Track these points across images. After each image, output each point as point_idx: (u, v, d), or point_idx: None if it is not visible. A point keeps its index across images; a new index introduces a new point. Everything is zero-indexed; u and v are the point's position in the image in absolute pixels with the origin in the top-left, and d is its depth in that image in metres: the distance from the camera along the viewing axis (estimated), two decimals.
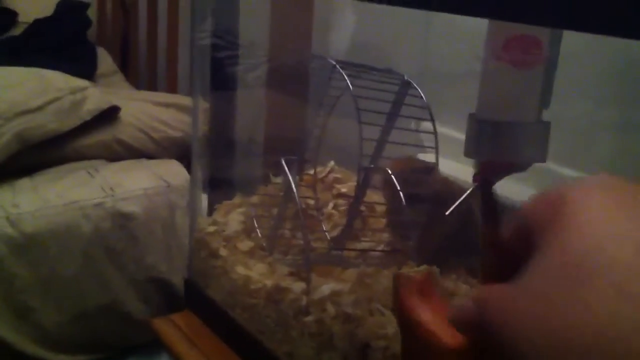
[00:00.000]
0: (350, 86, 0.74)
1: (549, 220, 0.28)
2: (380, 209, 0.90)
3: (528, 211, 0.30)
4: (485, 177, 0.37)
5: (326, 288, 0.72)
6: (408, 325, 0.36)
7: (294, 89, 1.08)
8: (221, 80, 1.07)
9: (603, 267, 0.25)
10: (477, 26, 0.88)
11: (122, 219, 1.31)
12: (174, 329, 0.88)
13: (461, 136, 0.82)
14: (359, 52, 1.14)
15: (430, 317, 0.35)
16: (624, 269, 0.25)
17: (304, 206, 0.89)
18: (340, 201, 0.97)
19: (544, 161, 0.77)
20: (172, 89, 1.82)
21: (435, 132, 0.82)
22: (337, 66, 0.77)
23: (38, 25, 1.95)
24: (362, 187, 0.86)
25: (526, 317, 0.27)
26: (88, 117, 1.41)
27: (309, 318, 0.72)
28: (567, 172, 0.93)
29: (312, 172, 0.97)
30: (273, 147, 1.07)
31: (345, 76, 0.75)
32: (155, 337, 1.20)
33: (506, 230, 0.32)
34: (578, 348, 0.24)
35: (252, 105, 1.14)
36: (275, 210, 0.91)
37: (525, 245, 0.30)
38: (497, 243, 0.33)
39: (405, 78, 0.83)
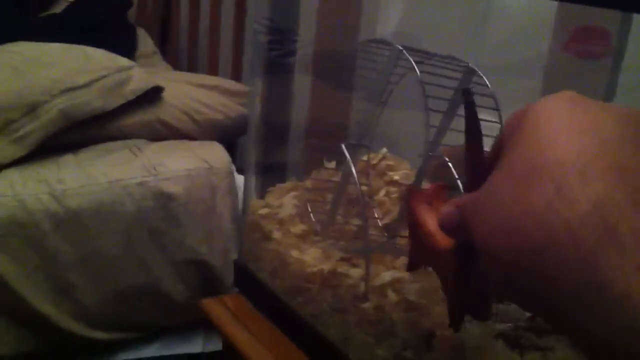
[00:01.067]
0: (418, 72, 0.73)
1: (515, 128, 0.32)
2: None
3: (504, 126, 0.35)
4: (468, 91, 0.38)
5: (387, 275, 0.71)
6: (414, 228, 0.42)
7: (345, 74, 1.07)
8: (271, 65, 1.06)
9: (548, 167, 0.29)
10: (541, 17, 0.87)
11: (164, 199, 1.30)
12: (224, 310, 0.87)
13: None
14: (411, 39, 1.13)
15: (431, 222, 0.40)
16: (565, 170, 0.28)
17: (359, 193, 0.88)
18: (393, 189, 0.95)
19: None
20: (213, 71, 1.81)
21: (500, 121, 0.80)
22: (404, 51, 0.75)
23: (79, 3, 1.95)
24: (419, 174, 0.85)
25: (485, 215, 0.31)
26: (132, 97, 1.41)
27: (368, 304, 0.71)
28: None
29: (365, 158, 0.96)
30: (324, 132, 1.06)
31: (413, 62, 0.73)
32: (195, 319, 1.20)
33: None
34: (521, 238, 0.28)
35: (302, 90, 1.13)
36: (328, 196, 0.90)
37: (498, 156, 0.34)
38: (480, 159, 0.37)
39: (470, 65, 0.81)
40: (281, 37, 1.12)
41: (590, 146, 0.29)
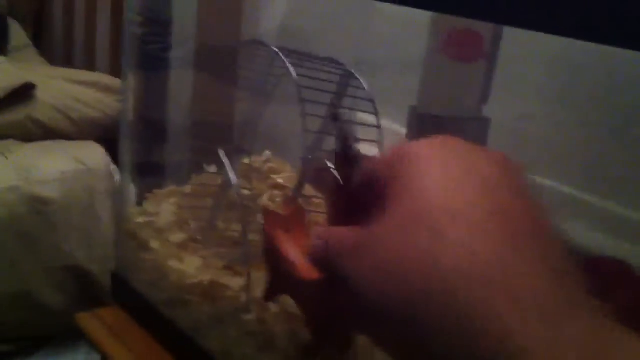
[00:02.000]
0: (294, 75, 0.71)
1: (393, 170, 0.32)
2: (319, 201, 0.88)
3: (379, 163, 0.34)
4: (336, 116, 0.38)
5: None
6: (271, 254, 0.39)
7: (226, 74, 1.05)
8: (149, 60, 1.02)
9: (427, 215, 0.29)
10: (420, 16, 0.87)
11: (39, 204, 1.23)
12: (100, 324, 0.83)
13: (401, 129, 0.81)
14: (291, 38, 1.11)
15: (292, 250, 0.37)
16: (442, 217, 0.28)
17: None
18: (277, 192, 0.94)
19: None
20: (90, 66, 1.73)
21: (379, 125, 0.80)
22: (280, 53, 0.73)
23: None
24: (301, 178, 0.84)
25: (365, 257, 0.31)
26: (1, 95, 1.32)
27: (250, 316, 0.69)
28: None
29: (247, 161, 0.94)
30: (205, 133, 1.03)
31: (289, 64, 0.72)
32: (77, 331, 1.14)
33: (357, 176, 0.36)
34: (399, 285, 0.28)
35: (181, 88, 1.09)
36: (209, 201, 0.87)
37: (370, 192, 0.33)
38: (346, 188, 0.36)
39: (348, 68, 0.81)
40: (157, 30, 1.08)
41: (468, 192, 0.29)
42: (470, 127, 0.79)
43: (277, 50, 0.75)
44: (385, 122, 0.87)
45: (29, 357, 1.33)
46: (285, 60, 0.73)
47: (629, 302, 0.58)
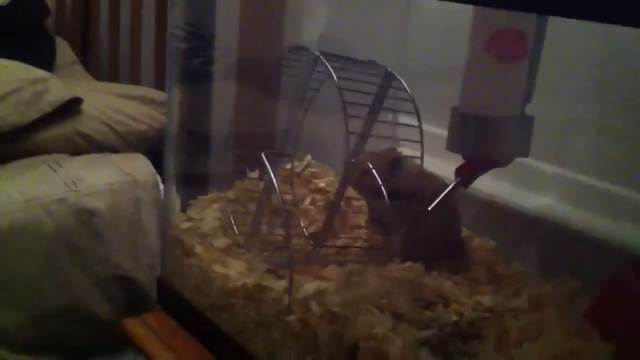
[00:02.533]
0: (335, 78, 0.72)
1: None
2: (360, 204, 0.88)
3: None
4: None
5: (310, 287, 0.69)
6: None
7: (268, 81, 1.05)
8: (192, 72, 1.03)
9: None
10: (458, 21, 0.87)
11: (86, 215, 1.25)
12: (146, 329, 0.84)
13: (441, 132, 0.79)
14: (335, 45, 1.11)
15: None
16: None
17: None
18: (318, 196, 0.94)
19: (527, 156, 0.76)
20: (134, 81, 1.76)
21: (420, 125, 0.80)
22: (321, 57, 0.74)
23: None
24: (343, 181, 0.84)
25: None
26: (49, 109, 1.35)
27: (292, 317, 0.69)
28: (546, 167, 0.91)
29: (289, 166, 0.94)
30: (247, 141, 1.04)
31: (330, 68, 0.72)
32: (123, 338, 1.16)
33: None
34: None
35: (225, 98, 1.11)
36: (252, 206, 0.88)
37: None
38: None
39: (389, 70, 0.81)
40: (200, 43, 1.09)
41: None
42: (513, 126, 0.78)
43: (318, 54, 0.75)
44: (426, 126, 0.86)
45: None
46: (326, 63, 0.74)
47: None
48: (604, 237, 0.80)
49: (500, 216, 0.92)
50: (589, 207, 0.86)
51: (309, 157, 0.99)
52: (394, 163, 0.79)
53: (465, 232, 0.87)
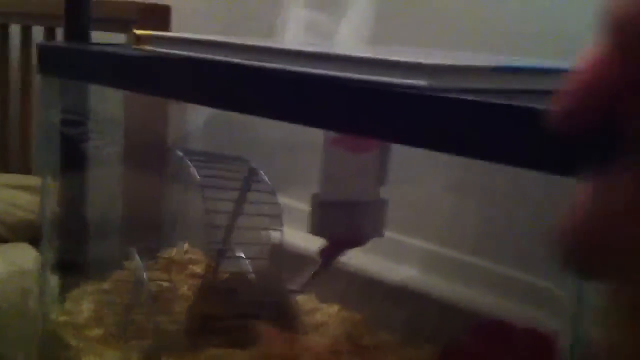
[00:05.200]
0: (197, 177, 0.78)
1: None
2: None
3: None
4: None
5: None
6: None
7: (149, 171, 1.11)
8: (72, 158, 1.05)
9: None
10: None
11: None
12: None
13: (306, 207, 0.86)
14: (215, 134, 1.18)
15: None
16: None
17: (155, 290, 0.90)
18: (195, 281, 0.99)
19: (382, 235, 0.84)
20: (25, 169, 1.77)
21: (280, 215, 0.87)
22: (184, 157, 0.80)
23: None
24: (214, 269, 0.90)
25: None
26: None
27: None
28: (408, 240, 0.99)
29: (167, 255, 0.99)
30: (128, 230, 1.08)
31: (192, 167, 0.79)
32: None
33: None
34: None
35: (105, 186, 1.15)
36: (126, 297, 0.92)
37: None
38: None
39: (252, 165, 0.88)
40: (85, 129, 1.12)
41: None
42: (368, 210, 0.86)
43: (181, 154, 0.82)
44: (289, 201, 0.93)
45: None
46: (188, 163, 0.80)
47: None
48: (458, 303, 0.89)
49: (370, 289, 1.00)
50: (449, 276, 0.95)
51: (186, 244, 1.04)
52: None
53: (333, 306, 0.94)
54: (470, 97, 0.39)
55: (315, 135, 0.82)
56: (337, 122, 0.50)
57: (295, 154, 1.02)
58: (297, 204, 0.94)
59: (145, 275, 0.79)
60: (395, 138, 0.48)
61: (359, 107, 0.47)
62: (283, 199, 0.91)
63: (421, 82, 0.44)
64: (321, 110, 0.51)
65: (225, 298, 0.78)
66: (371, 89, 0.46)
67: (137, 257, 0.81)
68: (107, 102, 1.20)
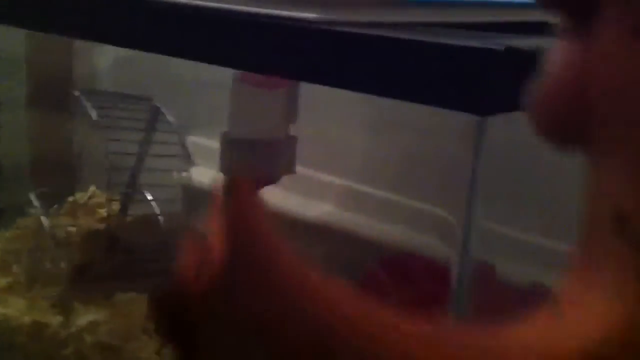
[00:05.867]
0: (93, 116, 0.75)
1: None
2: None
3: None
4: None
5: (83, 319, 0.72)
6: None
7: (53, 114, 1.06)
8: None
9: None
10: None
11: None
12: None
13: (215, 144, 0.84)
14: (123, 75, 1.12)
15: None
16: None
17: (61, 235, 0.87)
18: (103, 225, 0.97)
19: (294, 172, 0.84)
20: None
21: (189, 155, 0.85)
22: (81, 97, 0.77)
23: None
24: (121, 212, 0.88)
25: None
26: None
27: (67, 350, 0.72)
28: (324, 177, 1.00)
29: (71, 198, 0.96)
30: (32, 175, 1.04)
31: (89, 108, 0.76)
32: None
33: None
34: None
35: (8, 129, 1.10)
36: (31, 243, 0.89)
37: None
38: None
39: (155, 104, 0.85)
40: None
41: None
42: (278, 147, 0.85)
43: (78, 94, 0.79)
44: (200, 140, 0.91)
45: None
46: (86, 103, 0.77)
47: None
48: (371, 238, 0.90)
49: (285, 226, 0.99)
50: (361, 211, 0.95)
51: (92, 187, 1.01)
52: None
53: None
54: (356, 30, 0.38)
55: (227, 72, 0.80)
56: (227, 57, 0.48)
57: (207, 91, 1.00)
58: (208, 143, 0.92)
59: (45, 220, 0.76)
60: (285, 73, 0.47)
61: (249, 41, 0.45)
62: (194, 138, 0.89)
63: (311, 15, 0.43)
64: (212, 45, 0.49)
65: (107, 244, 0.76)
66: (261, 22, 0.44)
67: (36, 201, 0.78)
68: (7, 41, 1.13)
